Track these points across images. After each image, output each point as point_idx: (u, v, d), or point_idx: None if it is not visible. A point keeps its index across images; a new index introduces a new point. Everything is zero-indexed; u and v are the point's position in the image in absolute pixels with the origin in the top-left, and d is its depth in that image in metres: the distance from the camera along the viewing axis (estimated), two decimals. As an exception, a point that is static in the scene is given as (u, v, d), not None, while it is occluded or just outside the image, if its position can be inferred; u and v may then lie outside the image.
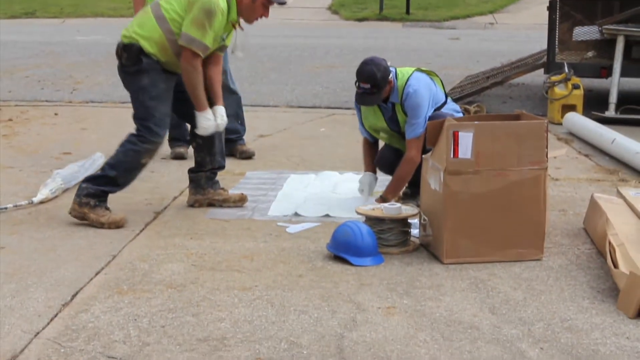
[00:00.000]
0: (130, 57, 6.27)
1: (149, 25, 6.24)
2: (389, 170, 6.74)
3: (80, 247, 5.80)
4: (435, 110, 6.44)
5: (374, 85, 6.29)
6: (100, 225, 6.18)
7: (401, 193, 6.85)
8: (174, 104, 6.54)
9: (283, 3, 6.48)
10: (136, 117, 6.37)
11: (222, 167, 6.83)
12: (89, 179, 6.36)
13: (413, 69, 6.54)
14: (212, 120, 6.44)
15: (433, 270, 5.43)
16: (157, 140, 6.34)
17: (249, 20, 6.45)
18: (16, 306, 4.81)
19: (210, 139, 6.63)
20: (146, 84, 6.28)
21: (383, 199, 6.41)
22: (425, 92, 6.38)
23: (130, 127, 6.57)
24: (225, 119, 6.57)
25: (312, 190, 7.22)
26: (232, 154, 8.44)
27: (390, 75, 6.36)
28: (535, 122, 5.65)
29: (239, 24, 6.46)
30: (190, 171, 6.80)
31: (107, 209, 6.30)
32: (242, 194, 6.82)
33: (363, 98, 6.40)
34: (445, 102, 6.57)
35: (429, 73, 6.57)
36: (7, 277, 5.25)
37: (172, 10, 6.20)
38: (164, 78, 6.34)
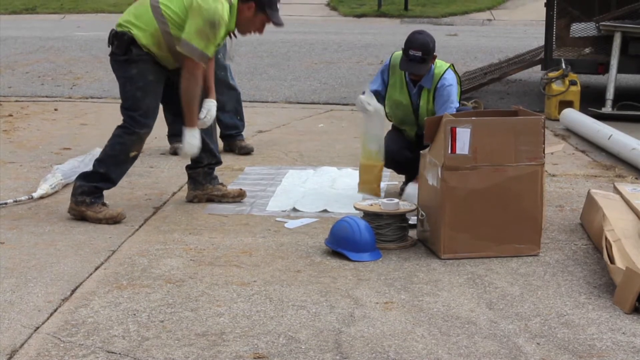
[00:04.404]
0: (120, 46, 6.24)
1: (145, 18, 6.21)
2: (396, 166, 6.84)
3: (79, 242, 5.82)
4: None
5: (425, 52, 6.37)
6: (98, 221, 6.20)
7: (399, 189, 6.90)
8: (167, 102, 6.55)
9: (280, 24, 6.48)
10: (123, 107, 6.36)
11: (219, 162, 6.83)
12: (82, 177, 6.35)
13: (449, 64, 6.61)
14: (198, 139, 6.39)
15: (430, 265, 5.46)
16: (142, 131, 6.30)
17: (243, 32, 6.45)
18: (16, 301, 4.84)
19: (204, 135, 6.61)
20: (134, 74, 6.26)
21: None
22: (456, 88, 6.49)
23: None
24: (212, 113, 6.54)
25: (310, 185, 7.23)
26: (231, 149, 8.46)
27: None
28: (533, 118, 5.68)
29: (234, 33, 6.48)
30: (188, 168, 6.80)
31: (104, 204, 6.31)
32: (241, 189, 6.85)
33: (412, 65, 6.43)
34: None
35: (457, 77, 6.64)
36: (7, 271, 5.27)
37: (170, 9, 6.16)
38: (153, 70, 6.30)
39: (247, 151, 8.43)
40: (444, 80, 6.47)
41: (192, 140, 6.38)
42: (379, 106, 6.54)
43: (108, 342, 4.35)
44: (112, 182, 6.37)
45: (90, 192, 6.26)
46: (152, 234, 6.03)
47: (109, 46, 6.35)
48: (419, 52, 6.37)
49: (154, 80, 6.32)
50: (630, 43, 10.42)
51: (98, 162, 6.33)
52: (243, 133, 8.61)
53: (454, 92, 6.48)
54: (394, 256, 5.61)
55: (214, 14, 6.09)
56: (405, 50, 6.43)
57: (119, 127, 6.34)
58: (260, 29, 6.44)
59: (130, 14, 6.31)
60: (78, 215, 6.27)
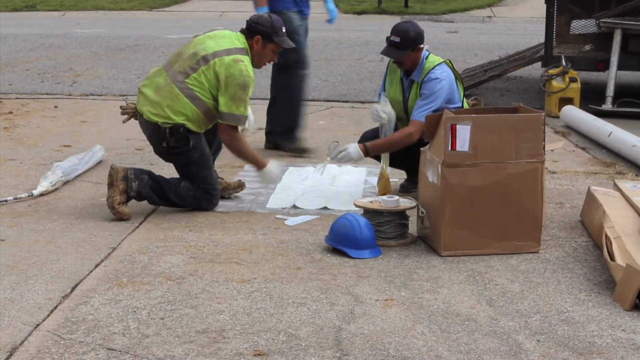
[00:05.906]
0: (179, 139, 6.35)
1: (188, 109, 6.31)
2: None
3: (80, 240, 5.82)
4: None
5: (403, 39, 6.43)
6: (111, 208, 6.21)
7: (399, 186, 6.90)
8: None
9: (291, 47, 6.56)
10: (198, 186, 6.45)
11: (220, 148, 6.90)
12: (156, 180, 6.40)
13: (444, 59, 6.60)
14: (276, 167, 6.58)
15: (430, 262, 5.46)
16: (216, 204, 6.52)
17: (258, 65, 6.53)
18: (16, 298, 4.84)
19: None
20: (197, 158, 6.43)
21: (365, 147, 6.54)
22: (446, 84, 6.46)
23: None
24: (251, 117, 6.59)
25: (310, 182, 7.23)
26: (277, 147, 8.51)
27: (422, 46, 6.52)
28: (533, 115, 5.67)
29: None
30: None
31: (127, 203, 6.33)
32: (240, 180, 6.90)
33: (388, 49, 6.53)
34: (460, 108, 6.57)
35: (455, 73, 6.61)
36: (7, 269, 5.27)
37: (204, 92, 6.29)
38: (205, 143, 6.50)
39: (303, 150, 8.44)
40: (430, 74, 6.47)
41: (271, 174, 6.57)
42: (392, 114, 6.58)
43: (108, 339, 4.34)
44: (159, 202, 6.44)
45: (140, 191, 6.31)
46: (152, 231, 6.03)
47: (162, 142, 6.39)
48: (397, 37, 6.45)
49: (209, 151, 6.54)
50: (630, 40, 10.44)
51: (177, 194, 6.40)
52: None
53: (440, 86, 6.41)
54: (394, 253, 5.61)
55: (240, 75, 6.25)
56: (387, 36, 6.50)
57: (202, 192, 6.45)
58: (273, 58, 6.61)
59: (170, 110, 6.32)
60: (114, 177, 6.24)
